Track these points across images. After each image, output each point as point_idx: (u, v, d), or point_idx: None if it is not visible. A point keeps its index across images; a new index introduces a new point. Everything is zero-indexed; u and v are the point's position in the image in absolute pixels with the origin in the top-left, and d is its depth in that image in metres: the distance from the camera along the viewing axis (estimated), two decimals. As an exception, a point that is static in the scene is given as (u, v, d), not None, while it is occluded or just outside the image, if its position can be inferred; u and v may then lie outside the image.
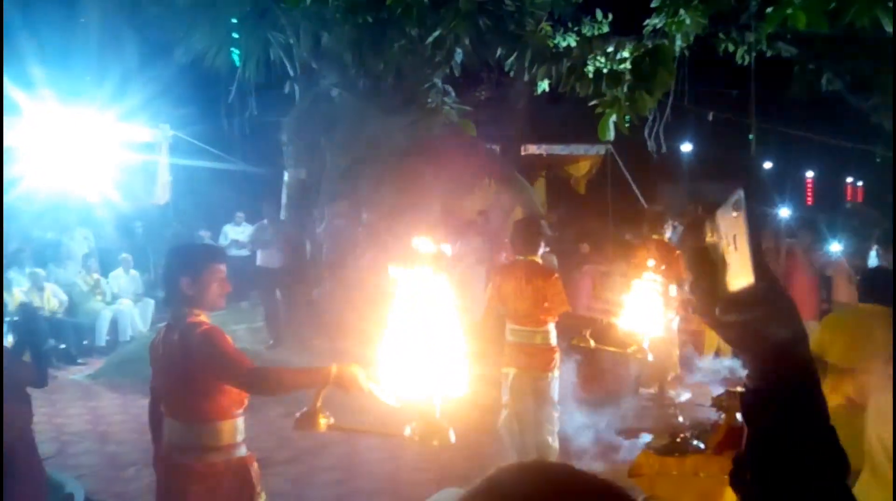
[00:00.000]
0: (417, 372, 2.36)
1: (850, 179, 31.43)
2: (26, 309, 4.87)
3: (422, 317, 2.33)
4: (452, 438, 2.48)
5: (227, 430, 3.35)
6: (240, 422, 3.41)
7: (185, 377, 3.26)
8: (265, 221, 11.57)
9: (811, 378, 1.25)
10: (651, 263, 5.71)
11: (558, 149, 15.37)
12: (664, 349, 8.86)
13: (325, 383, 2.84)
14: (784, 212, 10.74)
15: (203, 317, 3.36)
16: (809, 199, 26.96)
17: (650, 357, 5.64)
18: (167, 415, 3.39)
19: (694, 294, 1.23)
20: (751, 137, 11.53)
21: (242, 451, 3.43)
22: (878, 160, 15.99)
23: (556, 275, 6.21)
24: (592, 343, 5.91)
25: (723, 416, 5.07)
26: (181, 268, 3.37)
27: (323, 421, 2.75)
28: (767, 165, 20.62)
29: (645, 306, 5.42)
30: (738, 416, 5.37)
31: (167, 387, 3.38)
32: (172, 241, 11.53)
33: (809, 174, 28.34)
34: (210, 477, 3.29)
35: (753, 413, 1.25)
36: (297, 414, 2.80)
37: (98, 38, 14.22)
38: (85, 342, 11.40)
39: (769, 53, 9.93)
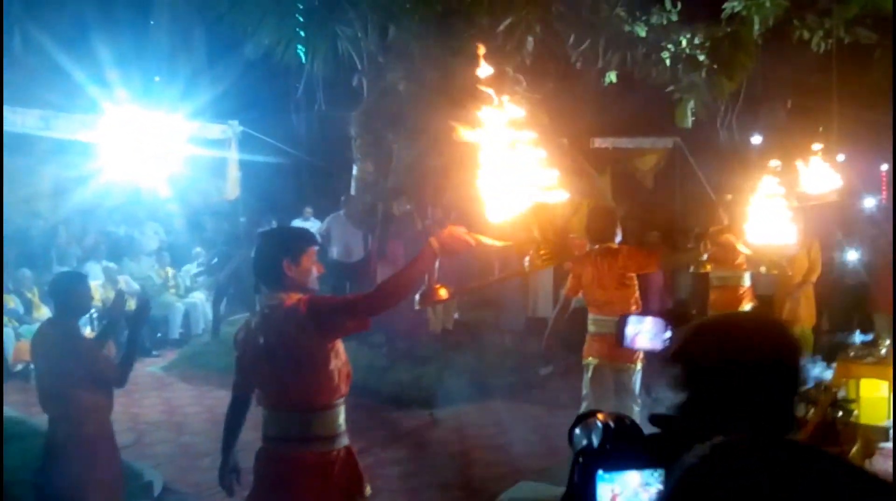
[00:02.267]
0: (517, 202, 2.58)
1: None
2: (139, 310, 4.83)
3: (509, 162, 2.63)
4: (575, 252, 2.66)
5: (334, 418, 3.26)
6: (343, 410, 3.31)
7: (299, 355, 3.16)
8: (341, 212, 11.51)
9: None
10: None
11: (624, 142, 15.08)
12: None
13: (434, 257, 2.92)
14: (869, 202, 10.39)
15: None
16: (884, 190, 26.02)
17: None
18: (271, 407, 3.28)
19: None
20: (820, 129, 11.17)
21: (346, 440, 3.34)
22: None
23: (625, 245, 6.10)
24: (709, 268, 5.90)
25: (812, 410, 4.88)
26: (282, 250, 3.26)
27: (443, 292, 2.91)
28: (840, 157, 19.98)
29: (772, 222, 5.30)
30: (830, 410, 5.18)
31: (272, 376, 3.25)
32: (241, 230, 11.70)
33: (884, 167, 27.34)
34: (322, 468, 3.21)
35: None
36: (417, 295, 2.93)
37: (168, 37, 14.58)
38: (159, 335, 11.60)
39: (847, 39, 9.58)
